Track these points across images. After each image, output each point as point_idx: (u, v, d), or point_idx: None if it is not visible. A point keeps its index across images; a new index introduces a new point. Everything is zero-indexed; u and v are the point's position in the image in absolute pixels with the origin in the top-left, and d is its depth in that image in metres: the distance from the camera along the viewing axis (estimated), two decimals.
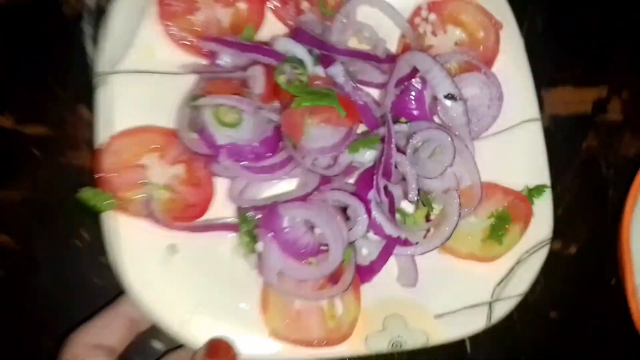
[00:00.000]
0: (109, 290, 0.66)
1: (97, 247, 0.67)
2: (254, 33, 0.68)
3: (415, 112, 0.68)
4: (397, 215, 0.66)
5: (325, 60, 0.65)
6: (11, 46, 0.72)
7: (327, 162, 0.64)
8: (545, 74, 0.75)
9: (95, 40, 0.69)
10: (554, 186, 0.69)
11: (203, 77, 0.66)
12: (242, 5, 0.69)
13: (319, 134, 0.63)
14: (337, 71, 0.63)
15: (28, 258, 0.70)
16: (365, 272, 0.65)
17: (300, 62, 0.63)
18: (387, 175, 0.63)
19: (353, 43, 0.71)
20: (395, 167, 0.64)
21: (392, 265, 0.66)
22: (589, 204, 0.78)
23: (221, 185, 0.66)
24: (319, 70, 0.65)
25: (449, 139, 0.65)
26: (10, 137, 0.71)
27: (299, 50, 0.64)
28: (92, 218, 0.62)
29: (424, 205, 0.67)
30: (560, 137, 0.78)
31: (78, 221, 0.71)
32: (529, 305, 0.69)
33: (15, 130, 0.71)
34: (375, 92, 0.70)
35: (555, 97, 0.79)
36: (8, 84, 0.71)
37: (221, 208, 0.65)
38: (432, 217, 0.67)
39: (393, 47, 0.72)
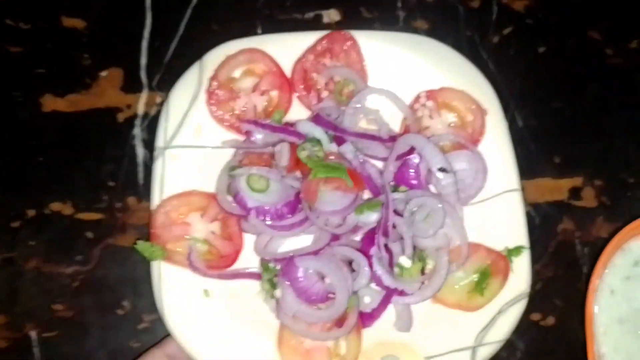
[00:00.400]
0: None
1: (136, 315, 0.83)
2: (282, 116, 0.84)
3: (413, 182, 0.81)
4: (396, 269, 0.77)
5: (338, 140, 0.79)
6: (73, 146, 0.87)
7: (337, 222, 0.78)
8: (526, 166, 0.85)
9: (143, 141, 0.87)
10: (534, 262, 0.79)
11: (240, 151, 0.82)
12: (274, 93, 0.85)
13: (331, 198, 0.76)
14: (347, 149, 0.78)
15: (78, 324, 0.83)
16: (367, 318, 0.76)
17: (317, 141, 0.78)
18: (386, 234, 0.75)
19: (363, 124, 0.86)
20: (394, 227, 0.77)
21: (390, 312, 0.77)
22: (565, 279, 0.86)
23: (249, 239, 0.80)
24: (333, 148, 0.80)
25: (440, 205, 0.78)
26: (69, 222, 0.85)
27: (317, 132, 0.79)
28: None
29: (419, 261, 0.78)
30: (539, 221, 0.88)
31: (121, 292, 0.83)
32: None
33: (73, 216, 0.85)
34: (380, 164, 0.83)
35: (534, 187, 0.89)
36: (69, 178, 0.86)
37: (248, 259, 0.79)
38: (426, 271, 0.79)
39: (397, 127, 0.86)
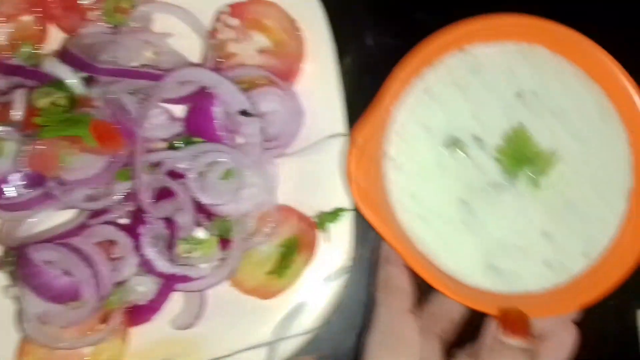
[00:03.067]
0: None
1: None
2: (31, 50, 0.62)
3: (209, 132, 0.62)
4: (186, 246, 0.60)
5: (92, 82, 0.59)
6: None
7: (95, 193, 0.59)
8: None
9: None
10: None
11: None
12: (25, 19, 0.63)
13: (82, 164, 0.57)
14: (96, 92, 0.57)
15: None
16: (144, 312, 0.59)
17: (60, 84, 0.57)
18: (143, 208, 0.57)
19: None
20: (175, 194, 0.59)
21: (177, 303, 0.60)
22: None
23: None
24: (91, 93, 0.59)
25: (239, 160, 0.59)
26: None
27: (63, 71, 0.58)
28: None
29: (219, 233, 0.61)
30: None
31: None
32: None
33: None
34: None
35: None
36: None
37: None
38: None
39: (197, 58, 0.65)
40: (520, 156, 0.57)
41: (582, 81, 0.59)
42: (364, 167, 0.55)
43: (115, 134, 0.57)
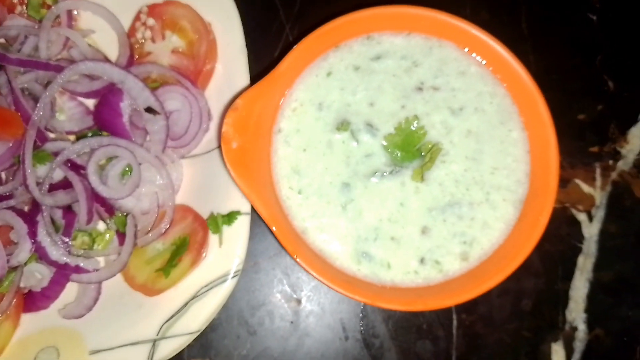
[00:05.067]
0: None
1: None
2: None
3: (116, 126, 0.63)
4: (85, 238, 0.62)
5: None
6: None
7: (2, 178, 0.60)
8: None
9: None
10: None
11: None
12: None
13: None
14: (2, 81, 0.59)
15: None
16: (38, 299, 0.60)
17: None
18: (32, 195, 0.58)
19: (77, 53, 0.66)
20: (69, 186, 0.60)
21: (71, 293, 0.62)
22: None
23: None
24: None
25: (138, 156, 0.61)
26: None
27: None
28: None
29: (117, 227, 0.62)
30: None
31: None
32: None
33: None
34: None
35: None
36: None
37: None
38: None
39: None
40: (410, 148, 0.56)
41: (486, 81, 0.57)
42: (245, 133, 0.54)
43: (16, 120, 0.58)
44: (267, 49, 0.72)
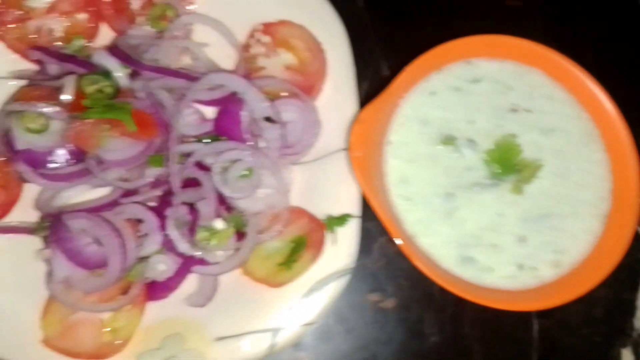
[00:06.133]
0: None
1: None
2: (82, 43, 0.70)
3: (235, 132, 0.68)
4: (205, 234, 0.66)
5: (135, 75, 0.66)
6: None
7: (130, 175, 0.65)
8: None
9: None
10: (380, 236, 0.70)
11: (32, 84, 0.68)
12: (82, 17, 0.71)
13: (118, 146, 0.63)
14: (138, 85, 0.64)
15: None
16: (160, 288, 0.65)
17: (107, 75, 0.64)
18: (172, 191, 0.63)
19: (189, 61, 0.72)
20: (199, 184, 0.65)
21: (191, 284, 0.66)
22: None
23: (33, 191, 0.67)
24: (134, 85, 0.66)
25: (258, 161, 0.66)
26: None
27: (111, 63, 0.65)
28: None
29: (234, 225, 0.67)
30: None
31: None
32: None
33: None
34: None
35: None
36: None
37: (26, 213, 0.66)
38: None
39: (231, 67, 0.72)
40: (508, 163, 0.63)
41: (572, 106, 0.66)
42: (365, 144, 0.61)
43: (151, 123, 0.63)
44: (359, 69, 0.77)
